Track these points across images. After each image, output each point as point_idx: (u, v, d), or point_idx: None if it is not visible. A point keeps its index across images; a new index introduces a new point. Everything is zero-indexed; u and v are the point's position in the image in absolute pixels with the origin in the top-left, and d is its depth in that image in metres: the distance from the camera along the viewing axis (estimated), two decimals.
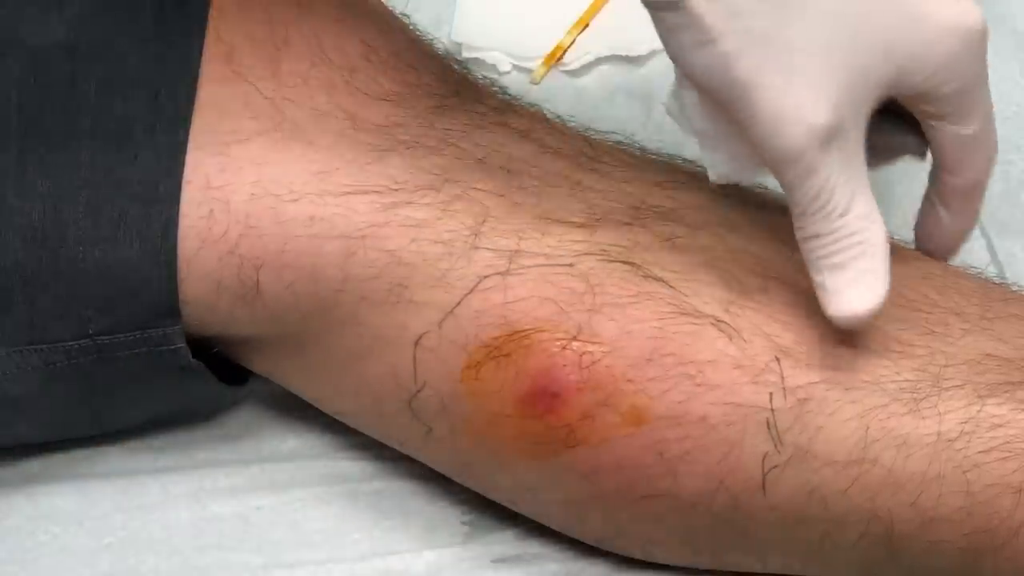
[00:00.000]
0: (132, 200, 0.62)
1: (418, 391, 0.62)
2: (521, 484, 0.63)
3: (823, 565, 0.62)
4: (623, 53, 0.86)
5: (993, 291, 0.65)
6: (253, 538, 0.68)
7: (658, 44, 0.83)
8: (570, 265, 0.61)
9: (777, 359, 0.60)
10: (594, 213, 0.63)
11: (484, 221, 0.62)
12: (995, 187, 0.79)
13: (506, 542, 0.67)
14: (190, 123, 0.63)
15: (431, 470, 0.68)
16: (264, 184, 0.62)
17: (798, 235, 0.59)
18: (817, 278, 0.59)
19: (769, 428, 0.59)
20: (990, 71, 0.84)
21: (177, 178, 0.62)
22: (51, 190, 0.62)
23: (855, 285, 0.58)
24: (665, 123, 0.71)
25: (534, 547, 0.66)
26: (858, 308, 0.58)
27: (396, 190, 0.63)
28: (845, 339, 0.60)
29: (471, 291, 0.61)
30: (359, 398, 0.65)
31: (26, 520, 0.68)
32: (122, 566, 0.67)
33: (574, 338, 0.60)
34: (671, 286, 0.61)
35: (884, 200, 0.78)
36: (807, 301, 0.61)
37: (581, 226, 0.63)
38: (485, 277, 0.61)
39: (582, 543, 0.66)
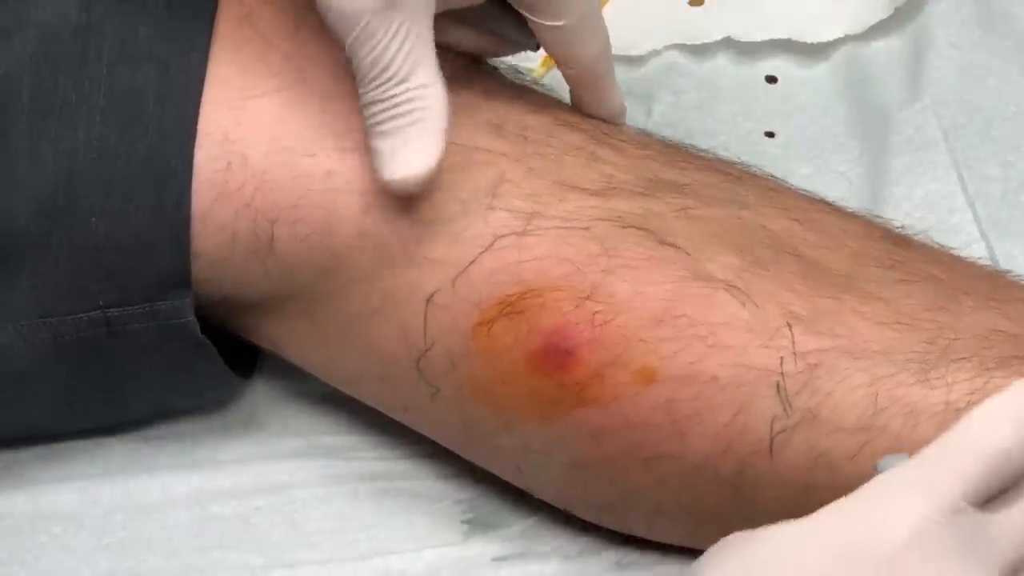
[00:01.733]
0: (143, 172, 0.63)
1: (427, 350, 0.62)
2: (527, 447, 0.63)
3: None
4: (623, 53, 0.85)
5: (1000, 277, 0.66)
6: (253, 538, 0.68)
7: (658, 44, 0.84)
8: (586, 228, 0.62)
9: (789, 325, 0.60)
10: (609, 183, 0.64)
11: (500, 183, 0.63)
12: (994, 188, 0.79)
13: (506, 540, 0.67)
14: (201, 95, 0.63)
15: (431, 470, 0.68)
16: (281, 139, 0.63)
17: (360, 102, 0.61)
18: (373, 144, 0.60)
19: (779, 391, 0.60)
20: (990, 71, 0.84)
21: (188, 151, 0.63)
22: (63, 163, 0.63)
23: (407, 149, 0.60)
24: (666, 123, 0.71)
25: (534, 545, 0.67)
26: (410, 170, 0.60)
27: None
28: (856, 311, 0.61)
29: (486, 249, 0.61)
30: (366, 360, 0.65)
31: (26, 520, 0.68)
32: (122, 566, 0.67)
33: (588, 297, 0.60)
34: (685, 252, 0.61)
35: (884, 200, 0.78)
36: (819, 274, 0.62)
37: (597, 194, 0.63)
38: (501, 237, 0.62)
39: (582, 541, 0.66)
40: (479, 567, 0.66)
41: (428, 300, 0.62)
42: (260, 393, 0.72)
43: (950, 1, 0.86)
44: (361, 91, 0.60)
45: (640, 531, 0.65)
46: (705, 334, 0.60)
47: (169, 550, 0.67)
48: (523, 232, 0.61)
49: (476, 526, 0.67)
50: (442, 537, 0.67)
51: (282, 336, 0.67)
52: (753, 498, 0.61)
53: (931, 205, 0.78)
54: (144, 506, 0.68)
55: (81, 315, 0.63)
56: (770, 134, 0.81)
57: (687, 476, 0.61)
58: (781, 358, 0.60)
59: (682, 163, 0.66)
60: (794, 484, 0.60)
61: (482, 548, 0.66)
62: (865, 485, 0.49)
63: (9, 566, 0.66)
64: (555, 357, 0.60)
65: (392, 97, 0.60)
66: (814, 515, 0.49)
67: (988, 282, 0.65)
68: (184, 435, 0.71)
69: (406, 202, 0.62)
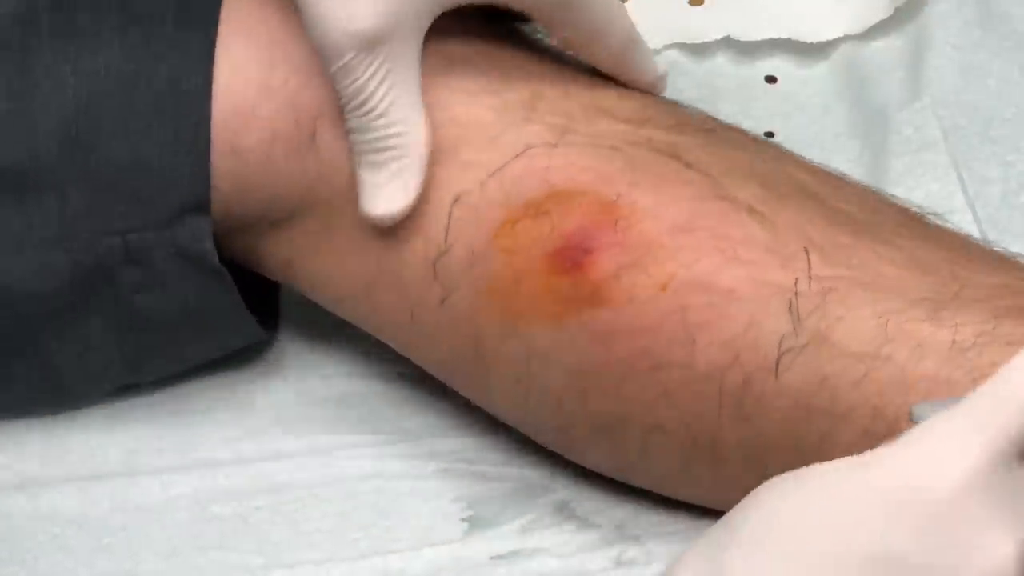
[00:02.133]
0: (164, 94, 0.64)
1: (447, 250, 0.63)
2: (531, 352, 0.63)
3: None
4: None
5: (1006, 255, 0.67)
6: (253, 538, 0.68)
7: (658, 43, 0.84)
8: (615, 148, 0.63)
9: (806, 250, 0.61)
10: (641, 114, 0.66)
11: (538, 100, 0.65)
12: (994, 189, 0.79)
13: (505, 538, 0.67)
14: (219, 14, 0.65)
15: (430, 468, 0.68)
16: None
17: (345, 127, 0.63)
18: (357, 172, 0.63)
19: (791, 310, 0.60)
20: (990, 71, 0.84)
21: (208, 72, 0.64)
22: (84, 88, 0.64)
23: (388, 186, 0.62)
24: None
25: (533, 542, 0.66)
26: (390, 208, 0.62)
27: (454, 61, 0.65)
28: (872, 250, 0.62)
29: (518, 156, 0.63)
30: (381, 265, 0.65)
31: (26, 520, 0.68)
32: (121, 567, 0.67)
33: (612, 203, 0.62)
34: (710, 176, 0.63)
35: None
36: (838, 217, 0.63)
37: (627, 121, 0.65)
38: (533, 146, 0.63)
39: (581, 538, 0.66)
40: (478, 565, 0.66)
41: (455, 200, 0.63)
42: (258, 393, 0.72)
43: (950, 1, 0.86)
44: (345, 115, 0.62)
45: (632, 456, 0.65)
46: (724, 247, 0.61)
47: (169, 550, 0.67)
48: (555, 144, 0.63)
49: (475, 524, 0.67)
50: (441, 535, 0.67)
51: (297, 252, 0.67)
52: (752, 418, 0.61)
53: (931, 206, 0.78)
54: (144, 506, 0.68)
55: (101, 240, 0.65)
56: (770, 134, 0.81)
57: (692, 386, 0.61)
58: (796, 279, 0.61)
59: (710, 121, 0.68)
60: (795, 407, 0.61)
61: (481, 546, 0.66)
62: (912, 429, 0.49)
63: (9, 566, 0.66)
64: (574, 256, 0.61)
65: (373, 130, 0.62)
66: (863, 457, 0.49)
67: (999, 256, 0.66)
68: (184, 435, 0.71)
69: (446, 104, 0.64)
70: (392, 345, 0.68)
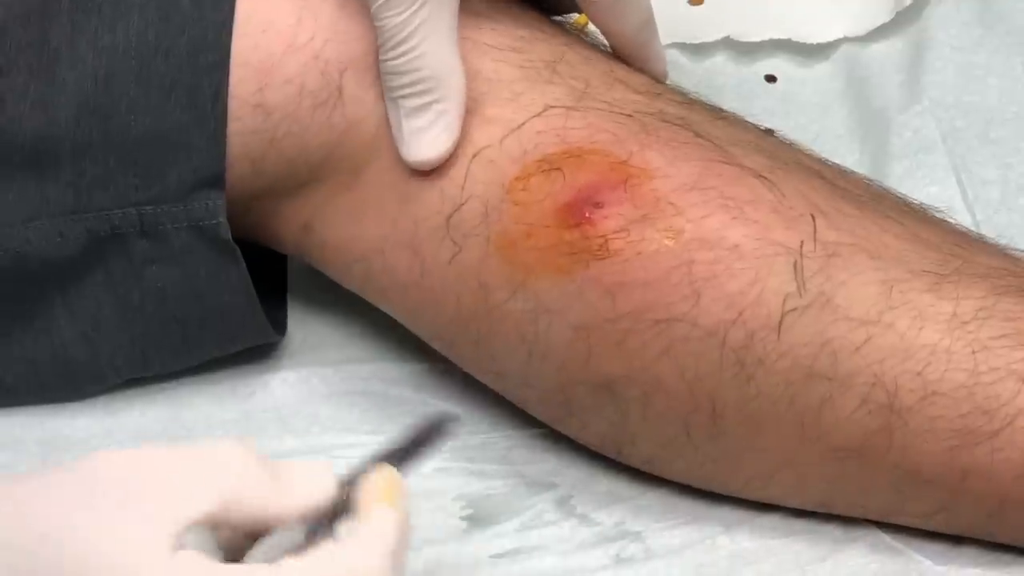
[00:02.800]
0: (181, 68, 0.65)
1: (462, 204, 0.64)
2: (538, 308, 0.64)
3: (810, 450, 0.63)
4: None
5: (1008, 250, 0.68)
6: None
7: None
8: (629, 115, 0.65)
9: (812, 215, 0.63)
10: (654, 88, 0.67)
11: (559, 63, 0.66)
12: (993, 191, 0.79)
13: (505, 536, 0.67)
14: None
15: (429, 467, 0.68)
16: None
17: (380, 68, 0.64)
18: (396, 116, 0.64)
19: (796, 270, 0.61)
20: (989, 73, 0.84)
21: (225, 48, 0.65)
22: (102, 62, 0.65)
23: (430, 131, 0.64)
24: None
25: (533, 540, 0.66)
26: (432, 151, 0.64)
27: (482, 18, 0.66)
28: (875, 223, 0.63)
29: (537, 115, 0.64)
30: (396, 224, 0.66)
31: None
32: None
33: (623, 162, 0.63)
34: (719, 146, 0.64)
35: None
36: (842, 192, 0.64)
37: (642, 92, 0.67)
38: (552, 107, 0.65)
39: (581, 535, 0.66)
40: (478, 563, 0.66)
41: (475, 155, 0.64)
42: (258, 392, 0.72)
43: (950, 3, 0.86)
44: (381, 57, 0.63)
45: (632, 421, 0.65)
46: (732, 206, 0.62)
47: None
48: (572, 107, 0.64)
49: (475, 522, 0.67)
50: (441, 534, 0.67)
51: (316, 213, 0.68)
52: (753, 378, 0.62)
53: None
54: None
55: (115, 211, 0.66)
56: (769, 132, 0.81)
57: (695, 343, 0.62)
58: (802, 241, 0.62)
59: (716, 106, 0.69)
60: (796, 369, 0.61)
61: (481, 544, 0.66)
62: None
63: None
64: (584, 209, 0.62)
65: (413, 71, 0.63)
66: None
67: (995, 245, 0.68)
68: (184, 435, 0.71)
69: (474, 58, 0.65)
70: (395, 313, 0.69)
